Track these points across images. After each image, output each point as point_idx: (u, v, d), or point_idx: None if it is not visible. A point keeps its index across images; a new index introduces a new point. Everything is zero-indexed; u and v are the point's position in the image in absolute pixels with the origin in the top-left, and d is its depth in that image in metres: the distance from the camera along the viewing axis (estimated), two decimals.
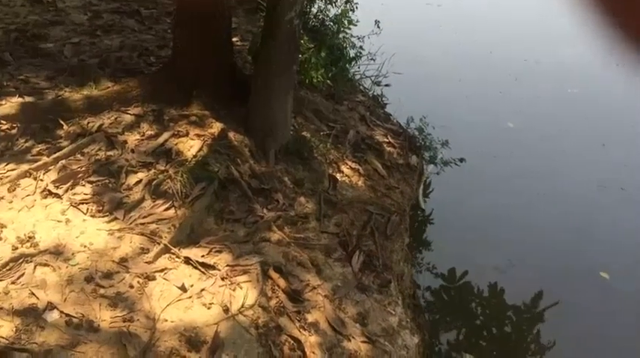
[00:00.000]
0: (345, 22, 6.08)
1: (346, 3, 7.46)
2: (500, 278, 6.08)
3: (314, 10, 7.43)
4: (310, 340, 3.78)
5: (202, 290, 3.75)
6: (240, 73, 5.79)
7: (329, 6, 7.44)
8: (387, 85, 8.97)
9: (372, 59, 8.20)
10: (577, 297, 5.86)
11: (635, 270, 6.37)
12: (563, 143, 8.56)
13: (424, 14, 13.58)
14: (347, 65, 6.28)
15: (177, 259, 3.93)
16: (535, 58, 11.29)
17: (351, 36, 7.53)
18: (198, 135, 4.99)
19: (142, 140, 4.90)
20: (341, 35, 7.11)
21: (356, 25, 6.46)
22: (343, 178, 5.51)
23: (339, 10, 7.11)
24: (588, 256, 6.34)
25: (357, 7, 7.62)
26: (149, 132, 5.00)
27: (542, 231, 6.61)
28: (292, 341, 3.70)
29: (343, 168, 5.65)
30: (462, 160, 6.83)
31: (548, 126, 8.88)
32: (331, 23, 6.40)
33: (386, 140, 6.48)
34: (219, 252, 4.12)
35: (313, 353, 3.70)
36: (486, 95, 9.82)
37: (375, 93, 8.21)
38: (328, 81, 5.69)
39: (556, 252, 6.33)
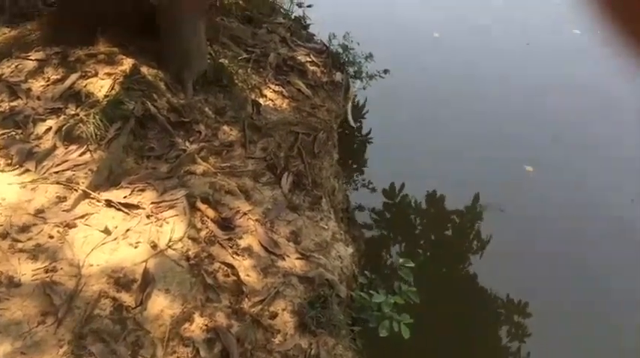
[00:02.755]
0: None
1: None
2: (437, 187, 6.29)
3: None
4: (244, 264, 3.84)
5: (127, 230, 3.72)
6: (147, 3, 5.48)
7: None
8: (309, 6, 8.74)
9: None
10: (511, 196, 6.15)
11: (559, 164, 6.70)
12: (488, 49, 8.70)
13: None
14: None
15: (97, 203, 3.85)
16: None
17: None
18: (109, 74, 4.77)
19: (48, 86, 4.66)
20: None
21: None
22: (267, 102, 5.43)
23: None
24: (512, 154, 6.61)
25: None
26: (54, 77, 4.75)
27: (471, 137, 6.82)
28: (225, 268, 3.75)
29: (266, 92, 5.56)
30: (386, 72, 6.82)
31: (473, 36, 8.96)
32: None
33: (309, 59, 6.38)
34: (142, 190, 4.06)
35: (248, 275, 3.77)
36: (411, 5, 9.73)
37: (297, 15, 7.98)
38: (240, 1, 5.46)
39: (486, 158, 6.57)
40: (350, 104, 7.03)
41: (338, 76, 6.37)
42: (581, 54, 8.01)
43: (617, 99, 7.33)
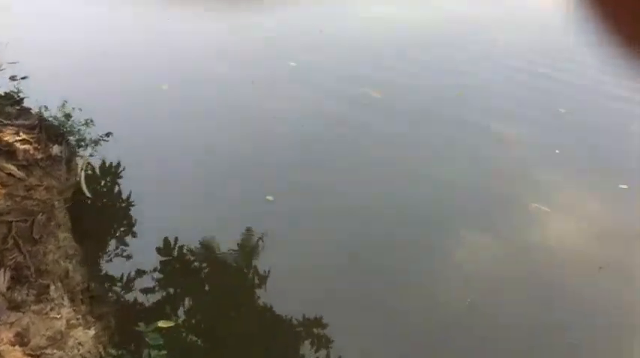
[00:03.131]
0: None
1: None
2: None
3: None
4: None
5: None
6: None
7: None
8: (23, 78, 8.17)
9: None
10: None
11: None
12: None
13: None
14: None
15: None
16: None
17: None
18: None
19: None
20: None
21: None
22: None
23: None
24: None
25: None
26: None
27: None
28: None
29: None
30: (108, 134, 6.66)
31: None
32: None
33: (18, 138, 5.90)
34: None
35: None
36: (123, 68, 9.71)
37: (6, 91, 7.36)
38: None
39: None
40: (83, 174, 6.69)
41: (56, 149, 6.01)
42: None
43: None
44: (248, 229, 6.56)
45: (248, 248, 6.51)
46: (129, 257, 5.98)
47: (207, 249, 6.40)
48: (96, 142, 6.60)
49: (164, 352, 4.29)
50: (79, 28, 10.55)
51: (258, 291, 6.10)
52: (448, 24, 13.52)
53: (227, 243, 6.38)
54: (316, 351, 5.32)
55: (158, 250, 6.13)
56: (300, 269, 6.15)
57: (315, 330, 5.50)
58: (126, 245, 6.20)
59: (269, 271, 6.12)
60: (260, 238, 6.48)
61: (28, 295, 4.22)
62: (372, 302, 5.82)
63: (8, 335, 3.85)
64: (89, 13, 11.21)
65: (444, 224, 7.03)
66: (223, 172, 7.56)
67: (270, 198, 7.01)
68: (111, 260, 5.92)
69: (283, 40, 11.54)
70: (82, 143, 6.53)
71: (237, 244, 6.44)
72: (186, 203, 6.81)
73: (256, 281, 6.23)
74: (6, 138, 5.82)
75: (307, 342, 5.40)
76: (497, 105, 9.91)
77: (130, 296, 5.58)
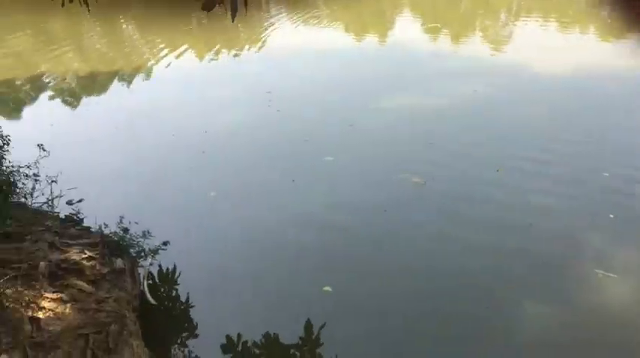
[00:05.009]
0: None
1: None
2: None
3: None
4: None
5: None
6: None
7: None
8: (80, 201, 8.79)
9: (53, 181, 7.99)
10: None
11: None
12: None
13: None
14: (5, 205, 5.94)
15: None
16: None
17: (18, 167, 7.28)
18: None
19: None
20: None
21: None
22: (47, 313, 5.19)
23: None
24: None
25: (9, 140, 7.41)
26: None
27: None
28: None
29: (44, 303, 5.32)
30: (165, 244, 7.02)
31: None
32: None
33: (84, 256, 6.30)
34: None
35: None
36: (178, 173, 10.33)
37: (67, 214, 7.93)
38: None
39: None
40: (145, 283, 7.00)
41: (119, 263, 6.37)
42: None
43: None
44: (308, 321, 6.69)
45: (310, 340, 6.59)
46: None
47: (269, 343, 6.50)
48: (154, 252, 6.95)
49: None
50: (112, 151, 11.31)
51: None
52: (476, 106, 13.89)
53: (289, 337, 6.50)
54: None
55: (223, 348, 6.28)
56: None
57: None
58: (190, 346, 6.37)
59: None
60: (320, 329, 6.60)
61: None
62: None
63: None
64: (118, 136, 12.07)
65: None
66: (274, 266, 7.79)
67: (328, 288, 7.19)
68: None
69: (316, 135, 12.06)
70: (142, 254, 6.89)
71: (300, 338, 6.55)
72: (242, 300, 7.01)
73: None
74: (73, 257, 6.22)
75: None
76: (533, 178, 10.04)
77: None
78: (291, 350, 6.40)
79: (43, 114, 13.67)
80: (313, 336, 6.57)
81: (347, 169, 10.48)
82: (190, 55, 18.73)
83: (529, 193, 9.47)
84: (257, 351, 6.27)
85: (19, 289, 5.34)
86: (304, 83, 15.76)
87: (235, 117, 12.99)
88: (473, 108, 13.76)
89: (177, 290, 7.27)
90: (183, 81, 16.01)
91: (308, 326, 6.67)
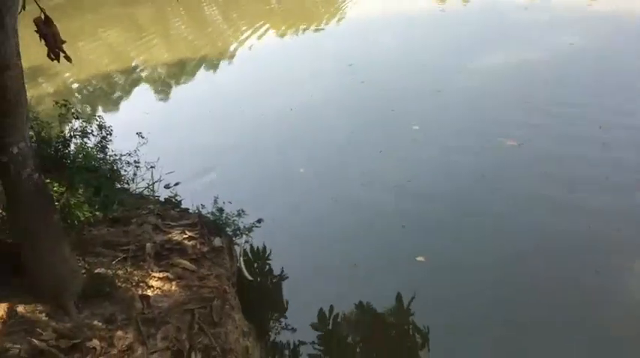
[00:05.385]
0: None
1: (100, 129, 7.66)
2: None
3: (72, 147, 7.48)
4: None
5: None
6: (3, 245, 5.52)
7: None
8: (177, 184, 9.21)
9: (152, 167, 8.43)
10: None
11: None
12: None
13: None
14: (112, 191, 6.33)
15: None
16: None
17: (120, 155, 7.74)
18: None
19: None
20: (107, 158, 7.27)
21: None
22: (155, 292, 5.51)
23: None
24: None
25: (111, 131, 7.87)
26: None
27: None
28: None
29: (152, 282, 5.66)
30: (259, 221, 7.23)
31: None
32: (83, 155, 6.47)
33: (185, 236, 6.62)
34: None
35: None
36: (268, 151, 10.56)
37: (166, 197, 8.35)
38: (97, 212, 5.69)
39: None
40: (241, 260, 7.27)
41: (217, 241, 6.63)
42: None
43: None
44: (400, 291, 6.67)
45: (403, 309, 6.58)
46: (293, 329, 6.34)
47: (362, 313, 6.56)
48: (249, 230, 7.17)
49: None
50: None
51: (421, 353, 6.12)
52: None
53: (381, 306, 6.53)
54: None
55: (314, 325, 6.42)
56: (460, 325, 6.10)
57: None
58: (285, 318, 6.58)
59: (428, 330, 6.17)
60: (412, 300, 6.57)
61: None
62: None
63: None
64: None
65: None
66: (367, 237, 7.80)
67: (421, 258, 7.12)
68: (279, 332, 6.29)
69: (403, 104, 11.85)
70: (238, 232, 7.13)
71: (392, 308, 6.55)
72: (334, 272, 7.09)
73: (419, 340, 6.25)
74: (175, 238, 6.55)
75: None
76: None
77: None
78: (384, 319, 6.43)
79: (139, 104, 14.41)
80: (405, 306, 6.56)
81: (437, 136, 10.25)
82: (272, 34, 18.95)
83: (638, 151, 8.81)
84: (348, 324, 6.35)
85: (129, 269, 5.70)
86: (387, 52, 15.49)
87: (320, 91, 13.03)
88: (569, 62, 12.91)
89: (270, 265, 7.47)
90: (268, 60, 16.25)
91: (399, 296, 6.66)
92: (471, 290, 6.57)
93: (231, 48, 18.24)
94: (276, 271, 7.31)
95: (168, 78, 16.64)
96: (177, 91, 15.27)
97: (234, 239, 7.27)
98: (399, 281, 6.82)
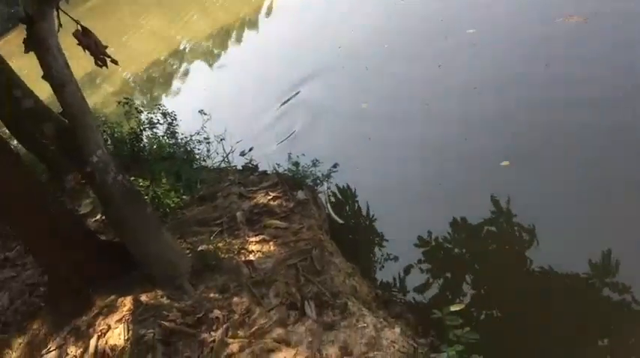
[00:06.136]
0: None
1: (165, 116, 7.98)
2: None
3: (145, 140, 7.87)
4: None
5: None
6: (111, 245, 5.97)
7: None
8: (251, 149, 9.44)
9: (222, 139, 8.69)
10: None
11: None
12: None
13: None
14: (191, 172, 6.61)
15: None
16: None
17: (190, 136, 8.05)
18: (119, 320, 5.14)
19: None
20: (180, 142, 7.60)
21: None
22: (257, 255, 5.79)
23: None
24: None
25: (175, 116, 8.16)
26: (79, 351, 5.10)
27: None
28: None
29: (251, 247, 5.94)
30: (335, 166, 7.31)
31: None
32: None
33: (269, 197, 6.85)
34: None
35: None
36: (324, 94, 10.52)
37: (243, 165, 8.61)
38: (184, 196, 5.99)
39: None
40: (329, 206, 7.44)
41: (300, 194, 6.81)
42: None
43: None
44: (493, 199, 6.57)
45: (502, 218, 6.49)
46: (396, 258, 6.45)
47: (459, 230, 6.54)
48: (327, 176, 7.28)
49: (467, 328, 4.52)
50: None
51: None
52: None
53: (477, 219, 6.47)
54: None
55: (417, 245, 6.46)
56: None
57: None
58: (386, 250, 6.68)
59: (534, 227, 6.07)
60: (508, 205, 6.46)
61: (334, 315, 4.84)
62: None
63: (335, 350, 4.45)
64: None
65: None
66: (443, 155, 7.68)
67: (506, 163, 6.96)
68: (383, 266, 6.44)
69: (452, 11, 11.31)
70: (317, 181, 7.27)
71: (487, 219, 6.47)
72: (424, 199, 7.05)
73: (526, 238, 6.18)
74: (261, 201, 6.79)
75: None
76: None
77: (413, 292, 5.98)
78: (484, 229, 6.39)
79: (196, 81, 14.72)
80: (503, 210, 6.47)
81: (495, 38, 9.74)
82: None
83: None
84: (449, 245, 6.35)
85: (227, 240, 6.01)
86: None
87: (366, 24, 12.68)
88: None
89: (357, 204, 7.56)
90: (306, 5, 15.96)
91: (495, 201, 6.57)
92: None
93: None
94: (364, 210, 7.39)
95: (216, 48, 16.79)
96: (227, 58, 15.40)
97: (316, 188, 7.43)
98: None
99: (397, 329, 4.74)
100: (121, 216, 5.17)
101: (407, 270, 6.23)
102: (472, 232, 6.41)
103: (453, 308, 4.95)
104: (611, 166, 6.37)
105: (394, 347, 4.47)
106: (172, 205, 5.72)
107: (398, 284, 6.06)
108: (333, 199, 7.72)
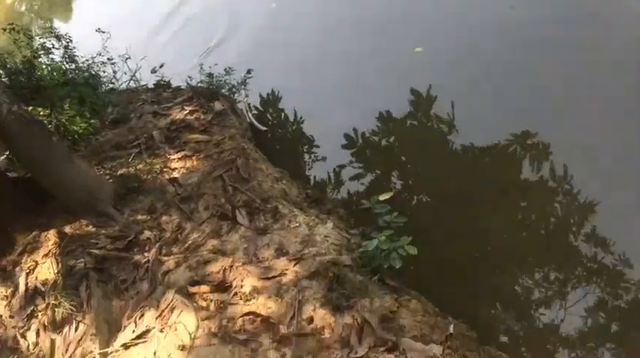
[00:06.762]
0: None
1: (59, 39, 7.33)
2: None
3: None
4: (259, 303, 4.12)
5: (154, 353, 3.98)
6: (23, 181, 5.64)
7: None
8: (161, 66, 8.92)
9: (127, 58, 8.12)
10: None
11: None
12: None
13: None
14: (95, 94, 6.17)
15: (117, 353, 4.09)
16: None
17: (92, 59, 7.45)
18: (45, 255, 4.95)
19: (10, 302, 4.82)
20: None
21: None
22: (181, 171, 5.66)
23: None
24: None
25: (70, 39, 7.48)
26: (8, 293, 4.91)
27: None
28: (248, 317, 4.04)
29: (173, 164, 5.78)
30: (249, 72, 7.06)
31: None
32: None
33: (185, 111, 6.62)
34: (142, 315, 4.30)
35: (269, 308, 4.06)
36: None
37: (155, 82, 8.16)
38: (92, 121, 5.66)
39: None
40: (249, 114, 7.27)
41: (217, 105, 6.61)
42: None
43: None
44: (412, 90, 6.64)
45: (422, 102, 6.59)
46: (324, 158, 6.49)
47: (386, 123, 6.60)
48: (243, 83, 7.07)
49: (395, 213, 4.70)
50: None
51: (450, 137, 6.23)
52: None
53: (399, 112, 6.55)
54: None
55: (345, 145, 6.49)
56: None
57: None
58: (315, 153, 6.69)
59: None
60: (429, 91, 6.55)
61: (266, 220, 4.88)
62: None
63: (270, 252, 4.53)
64: None
65: None
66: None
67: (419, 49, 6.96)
68: (311, 168, 6.47)
69: None
70: (234, 89, 7.05)
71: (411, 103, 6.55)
72: (342, 99, 6.99)
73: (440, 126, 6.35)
74: (177, 117, 6.55)
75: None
76: None
77: (342, 190, 6.08)
78: (408, 121, 6.50)
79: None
80: (423, 97, 6.57)
81: None
82: None
83: None
84: (376, 138, 6.43)
85: (148, 161, 5.81)
86: None
87: None
88: None
89: (282, 112, 7.41)
90: None
91: (415, 91, 6.63)
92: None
93: None
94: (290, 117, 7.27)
95: None
96: None
97: (233, 97, 7.22)
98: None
99: (329, 224, 4.86)
100: (25, 149, 4.85)
101: (336, 171, 6.28)
102: (396, 124, 6.51)
103: (381, 198, 5.12)
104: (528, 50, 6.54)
105: (328, 241, 4.60)
106: (80, 131, 5.40)
107: (327, 184, 6.14)
108: (253, 109, 7.55)
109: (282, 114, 7.36)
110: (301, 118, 7.13)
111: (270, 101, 7.57)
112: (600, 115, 5.61)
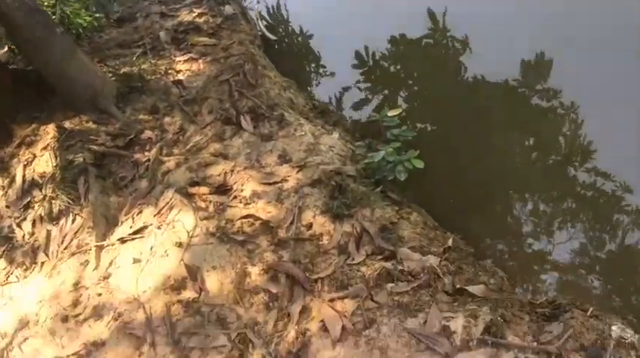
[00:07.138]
0: None
1: None
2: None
3: None
4: (259, 206, 4.05)
5: (152, 248, 3.96)
6: (25, 73, 5.48)
7: None
8: None
9: None
10: None
11: None
12: None
13: None
14: None
15: (114, 247, 4.08)
16: None
17: None
18: (44, 148, 4.86)
19: (6, 192, 4.79)
20: None
21: None
22: (186, 74, 5.47)
23: None
24: None
25: None
26: (6, 182, 4.87)
27: None
28: (246, 220, 3.98)
29: (179, 66, 5.59)
30: None
31: None
32: None
33: (194, 14, 6.33)
34: (140, 212, 4.26)
35: (268, 212, 3.99)
36: None
37: None
38: (96, 15, 5.41)
39: None
40: (259, 22, 6.97)
41: (228, 9, 6.32)
42: None
43: None
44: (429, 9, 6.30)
45: (437, 28, 6.29)
46: (332, 74, 6.26)
47: (395, 45, 6.32)
48: None
49: (404, 128, 4.55)
50: None
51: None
52: None
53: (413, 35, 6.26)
54: None
55: (355, 64, 6.24)
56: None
57: None
58: (324, 66, 6.45)
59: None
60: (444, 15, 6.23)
61: (271, 127, 4.74)
62: None
63: (273, 158, 4.42)
64: None
65: None
66: None
67: None
68: (319, 83, 6.27)
69: None
70: None
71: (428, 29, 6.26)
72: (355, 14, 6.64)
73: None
74: (185, 19, 6.28)
75: None
76: None
77: (351, 105, 5.89)
78: (422, 43, 6.22)
79: None
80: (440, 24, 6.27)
81: None
82: None
83: None
84: (387, 58, 6.17)
85: (152, 61, 5.61)
86: None
87: None
88: None
89: (290, 22, 7.12)
90: None
91: (432, 14, 6.32)
92: None
93: None
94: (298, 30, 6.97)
95: None
96: None
97: (245, 4, 6.91)
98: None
99: (335, 135, 4.73)
100: (28, 38, 4.65)
101: (344, 88, 6.06)
102: (410, 46, 6.23)
103: (390, 114, 4.95)
104: None
105: (332, 151, 4.48)
106: (85, 25, 5.17)
107: (335, 99, 5.94)
108: (264, 18, 7.23)
109: (292, 25, 7.07)
110: (307, 32, 6.82)
111: (280, 15, 7.25)
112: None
